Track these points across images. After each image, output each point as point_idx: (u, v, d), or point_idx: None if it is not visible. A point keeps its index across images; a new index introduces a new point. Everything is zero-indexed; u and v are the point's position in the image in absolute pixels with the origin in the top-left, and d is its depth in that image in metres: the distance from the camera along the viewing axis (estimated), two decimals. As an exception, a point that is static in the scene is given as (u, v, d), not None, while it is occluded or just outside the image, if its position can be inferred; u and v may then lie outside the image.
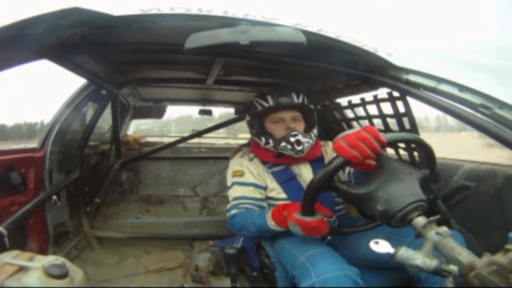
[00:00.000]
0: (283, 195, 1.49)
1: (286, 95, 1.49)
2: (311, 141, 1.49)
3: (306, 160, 1.54)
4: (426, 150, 1.08)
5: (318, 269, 1.05)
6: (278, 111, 1.50)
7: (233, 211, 1.46)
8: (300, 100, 1.51)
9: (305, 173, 1.52)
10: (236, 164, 1.57)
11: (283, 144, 1.45)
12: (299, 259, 1.16)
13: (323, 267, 1.05)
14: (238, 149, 1.70)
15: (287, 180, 1.51)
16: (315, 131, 1.54)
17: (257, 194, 1.49)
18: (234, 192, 1.51)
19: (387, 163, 1.01)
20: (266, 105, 1.49)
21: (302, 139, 1.44)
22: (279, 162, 1.52)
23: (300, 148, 1.44)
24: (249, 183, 1.49)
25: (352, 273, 1.05)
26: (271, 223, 1.27)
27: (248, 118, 1.59)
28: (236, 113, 3.37)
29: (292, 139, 1.44)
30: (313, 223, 1.11)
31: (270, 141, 1.49)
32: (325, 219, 1.12)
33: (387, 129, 1.95)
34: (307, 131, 1.52)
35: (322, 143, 1.65)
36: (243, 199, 1.47)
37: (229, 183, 1.56)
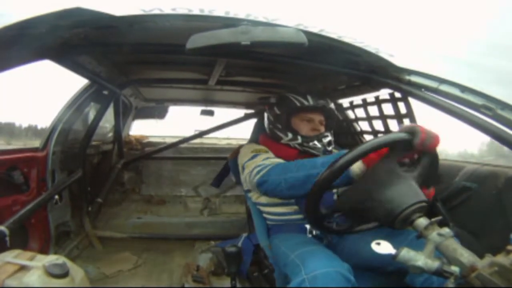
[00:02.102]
0: None
1: (323, 99, 1.53)
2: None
3: None
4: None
5: (308, 266, 1.03)
6: (313, 111, 1.53)
7: (273, 164, 1.30)
8: (332, 106, 1.55)
9: None
10: (255, 145, 1.55)
11: (314, 142, 1.47)
12: (290, 257, 1.15)
13: (313, 264, 1.04)
14: (237, 150, 1.69)
15: None
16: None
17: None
18: (262, 157, 1.39)
19: (382, 166, 0.99)
20: (306, 103, 1.50)
21: (332, 141, 1.51)
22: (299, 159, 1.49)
23: (330, 148, 1.49)
24: (274, 157, 1.44)
25: (343, 269, 1.03)
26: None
27: (277, 111, 1.56)
28: (260, 103, 3.26)
29: (325, 140, 1.48)
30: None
31: (299, 137, 1.49)
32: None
33: (387, 130, 1.95)
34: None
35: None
36: (276, 159, 1.39)
37: (249, 156, 1.44)
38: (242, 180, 1.49)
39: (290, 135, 1.51)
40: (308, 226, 1.43)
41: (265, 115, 1.66)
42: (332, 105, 1.55)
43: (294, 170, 1.16)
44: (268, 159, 1.38)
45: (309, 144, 1.48)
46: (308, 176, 1.09)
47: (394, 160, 0.99)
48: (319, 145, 1.47)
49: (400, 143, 0.96)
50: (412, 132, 0.95)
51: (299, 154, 1.49)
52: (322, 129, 1.53)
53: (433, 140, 0.96)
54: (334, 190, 1.17)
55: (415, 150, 0.98)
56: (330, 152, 1.48)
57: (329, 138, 1.50)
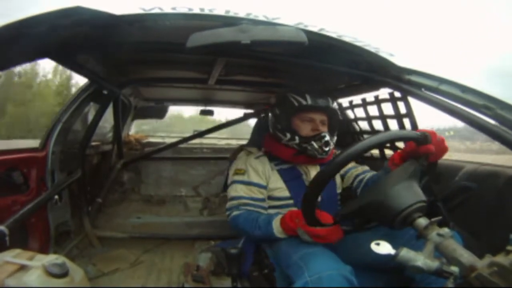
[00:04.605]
0: (287, 194, 1.49)
1: (324, 98, 1.51)
2: (333, 145, 1.52)
3: (317, 163, 1.55)
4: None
5: (312, 268, 1.04)
6: (312, 111, 1.50)
7: (235, 212, 1.45)
8: (334, 105, 1.53)
9: (313, 173, 1.53)
10: (240, 162, 1.57)
11: (311, 142, 1.46)
12: (292, 258, 1.16)
13: (316, 266, 1.05)
14: (239, 149, 1.69)
15: (293, 179, 1.52)
16: (335, 137, 1.56)
17: (258, 194, 1.48)
18: (233, 192, 1.50)
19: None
20: (303, 102, 1.48)
21: (330, 141, 1.48)
22: (295, 160, 1.52)
23: (327, 149, 1.47)
24: (251, 182, 1.49)
25: (346, 271, 1.04)
26: (278, 230, 1.29)
27: (277, 111, 1.57)
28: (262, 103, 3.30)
29: (322, 140, 1.46)
30: (322, 232, 1.13)
31: (296, 138, 1.48)
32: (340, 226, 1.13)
33: (386, 130, 1.95)
34: (330, 135, 1.52)
35: (335, 152, 1.65)
36: (243, 199, 1.47)
37: (230, 179, 1.56)
38: None
39: (288, 136, 1.50)
40: None
41: (269, 115, 1.67)
42: (334, 105, 1.53)
43: (251, 230, 1.37)
44: (236, 192, 1.49)
45: (306, 145, 1.47)
46: (262, 236, 1.35)
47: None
48: (316, 145, 1.46)
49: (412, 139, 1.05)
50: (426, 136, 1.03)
51: (295, 154, 1.50)
52: (324, 129, 1.51)
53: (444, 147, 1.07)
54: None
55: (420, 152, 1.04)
56: (327, 152, 1.48)
57: (327, 138, 1.47)
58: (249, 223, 1.38)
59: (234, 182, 1.53)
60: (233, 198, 1.50)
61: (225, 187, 1.90)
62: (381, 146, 1.98)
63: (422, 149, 1.03)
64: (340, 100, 2.31)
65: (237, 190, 1.50)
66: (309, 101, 1.48)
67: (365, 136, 2.26)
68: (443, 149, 1.08)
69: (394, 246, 0.86)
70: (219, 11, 1.10)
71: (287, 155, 1.52)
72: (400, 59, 1.30)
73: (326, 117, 1.53)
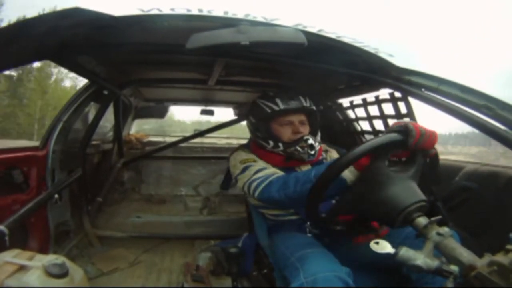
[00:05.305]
0: None
1: (295, 99, 1.47)
2: (319, 144, 1.49)
3: (308, 163, 1.52)
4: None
5: (308, 270, 1.03)
6: (288, 114, 1.47)
7: (268, 180, 1.28)
8: (308, 104, 1.49)
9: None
10: (243, 154, 1.52)
11: (296, 147, 1.43)
12: (290, 259, 1.15)
13: (312, 268, 1.04)
14: (237, 149, 1.69)
15: None
16: (319, 134, 1.53)
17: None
18: (252, 171, 1.38)
19: (377, 167, 0.99)
20: (276, 108, 1.45)
21: (314, 143, 1.44)
22: (286, 165, 1.48)
23: (313, 152, 1.43)
24: (265, 167, 1.41)
25: (342, 273, 1.03)
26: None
27: (252, 120, 1.54)
28: (237, 114, 3.37)
29: (306, 144, 1.42)
30: None
31: (280, 145, 1.45)
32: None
33: None
34: (313, 134, 1.49)
35: (324, 148, 1.63)
36: (269, 170, 1.37)
37: (239, 169, 1.44)
38: (239, 188, 1.47)
39: (271, 143, 1.47)
40: (307, 225, 1.44)
41: (246, 121, 1.63)
42: (308, 103, 1.49)
43: (292, 185, 1.18)
44: (260, 172, 1.37)
45: (291, 150, 1.44)
46: (306, 190, 1.09)
47: (387, 159, 0.99)
48: (301, 150, 1.43)
49: (394, 144, 0.96)
50: (405, 131, 0.95)
51: (285, 160, 1.47)
52: (305, 130, 1.48)
53: (429, 138, 0.97)
54: None
55: (409, 149, 0.98)
56: (314, 155, 1.44)
57: (310, 141, 1.43)
58: (297, 178, 1.18)
59: (248, 166, 1.42)
60: (257, 171, 1.36)
61: (226, 185, 1.89)
62: None
63: (412, 148, 0.95)
64: (341, 100, 2.31)
65: (256, 169, 1.38)
66: (281, 106, 1.45)
67: (366, 136, 2.26)
68: (432, 136, 0.97)
69: (392, 244, 0.86)
70: (218, 12, 1.10)
71: (278, 162, 1.48)
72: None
73: (305, 116, 1.50)
